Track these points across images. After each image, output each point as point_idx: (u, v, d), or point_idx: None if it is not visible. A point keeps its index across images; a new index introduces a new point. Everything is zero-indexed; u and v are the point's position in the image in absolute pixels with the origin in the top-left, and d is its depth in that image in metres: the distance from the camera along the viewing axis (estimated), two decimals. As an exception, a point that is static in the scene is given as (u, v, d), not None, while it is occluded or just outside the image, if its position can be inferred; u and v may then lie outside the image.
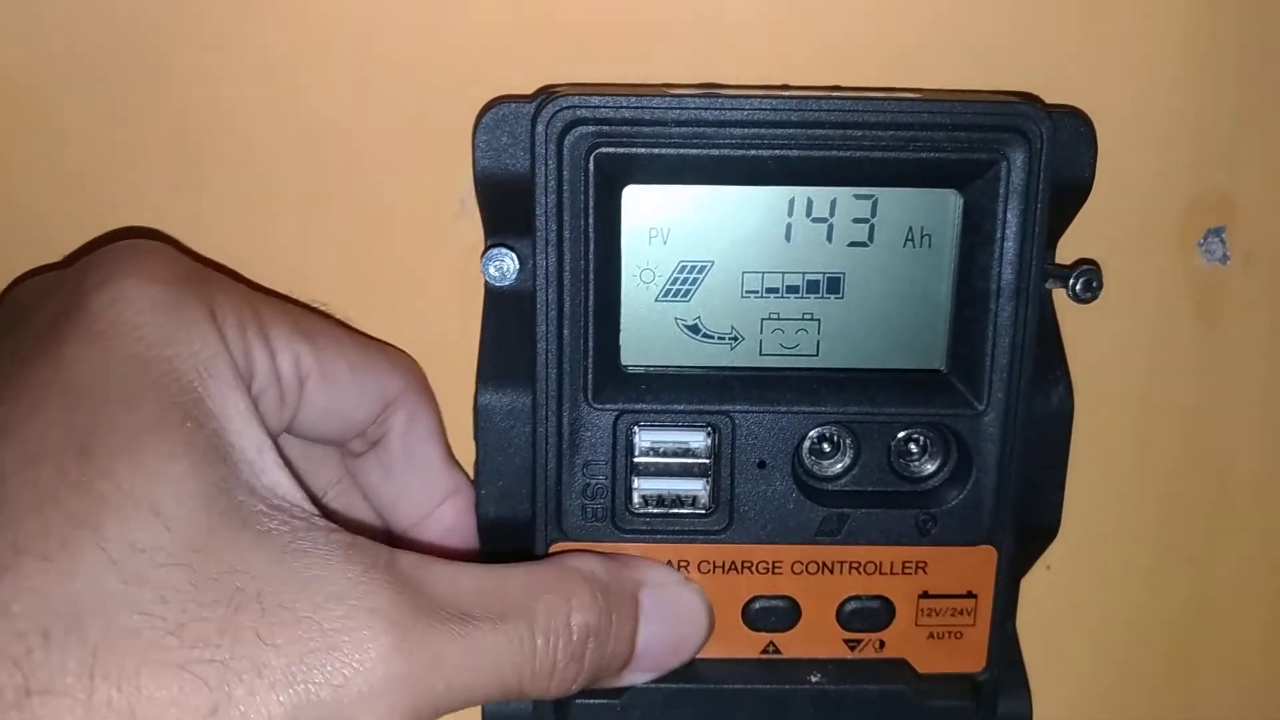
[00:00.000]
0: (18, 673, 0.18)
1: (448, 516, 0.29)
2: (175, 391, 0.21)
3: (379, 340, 0.29)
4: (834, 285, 0.27)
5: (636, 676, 0.26)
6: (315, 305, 0.29)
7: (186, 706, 0.19)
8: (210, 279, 0.24)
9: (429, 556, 0.23)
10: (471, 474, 0.29)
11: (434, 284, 0.29)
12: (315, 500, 0.23)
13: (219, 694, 0.19)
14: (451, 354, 0.29)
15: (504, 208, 0.27)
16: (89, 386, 0.21)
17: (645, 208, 0.26)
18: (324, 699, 0.20)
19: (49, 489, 0.20)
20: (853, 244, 0.27)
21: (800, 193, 0.26)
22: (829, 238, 0.26)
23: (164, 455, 0.20)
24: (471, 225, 0.29)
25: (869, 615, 0.28)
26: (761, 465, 0.27)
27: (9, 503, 0.20)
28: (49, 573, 0.19)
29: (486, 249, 0.28)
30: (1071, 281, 0.27)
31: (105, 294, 0.22)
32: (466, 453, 0.29)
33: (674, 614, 0.26)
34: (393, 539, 0.29)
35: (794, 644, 0.28)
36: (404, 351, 0.29)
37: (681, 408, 0.27)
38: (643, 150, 0.25)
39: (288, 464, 0.23)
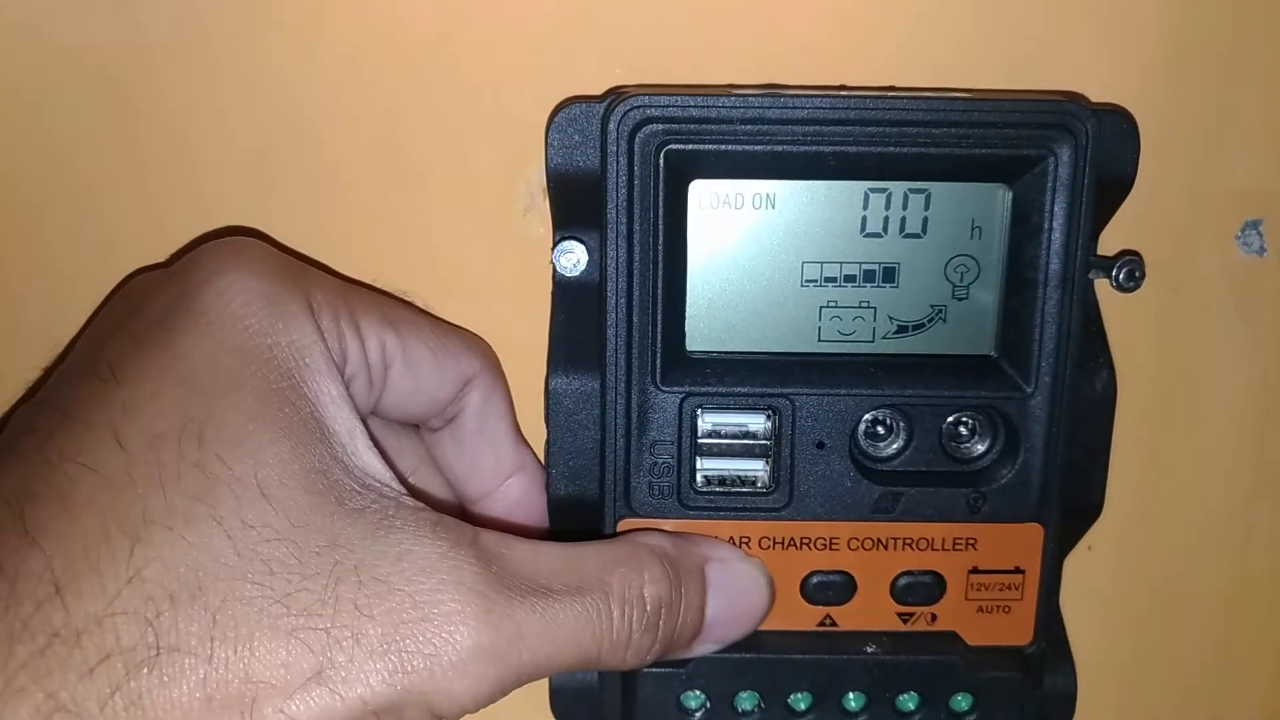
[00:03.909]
0: (150, 631, 0.20)
1: (515, 490, 0.30)
2: (275, 378, 0.23)
3: (455, 326, 0.30)
4: (889, 275, 0.28)
5: (705, 647, 0.27)
6: (398, 294, 0.30)
7: (294, 669, 0.21)
8: (306, 272, 0.26)
9: (509, 535, 0.24)
10: (538, 455, 0.31)
11: (504, 275, 0.31)
12: (401, 479, 0.24)
13: (322, 658, 0.21)
14: (520, 342, 0.30)
15: (573, 202, 0.29)
16: (201, 375, 0.23)
17: (711, 202, 0.28)
18: (417, 667, 0.21)
19: (171, 469, 0.22)
20: (907, 235, 0.28)
21: (857, 187, 0.28)
22: (884, 229, 0.28)
23: (267, 441, 0.22)
24: (540, 220, 0.30)
25: (921, 590, 0.29)
26: (820, 445, 0.28)
27: (137, 480, 0.21)
28: (175, 543, 0.21)
29: (557, 241, 0.29)
30: (1115, 271, 0.29)
31: (213, 287, 0.24)
32: (533, 437, 0.31)
33: (738, 586, 0.28)
34: (467, 515, 0.31)
35: (850, 617, 0.30)
36: (478, 336, 0.30)
37: (744, 390, 0.28)
38: (709, 147, 0.27)
39: (376, 445, 0.24)
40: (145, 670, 0.20)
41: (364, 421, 0.24)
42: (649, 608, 0.25)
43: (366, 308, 0.26)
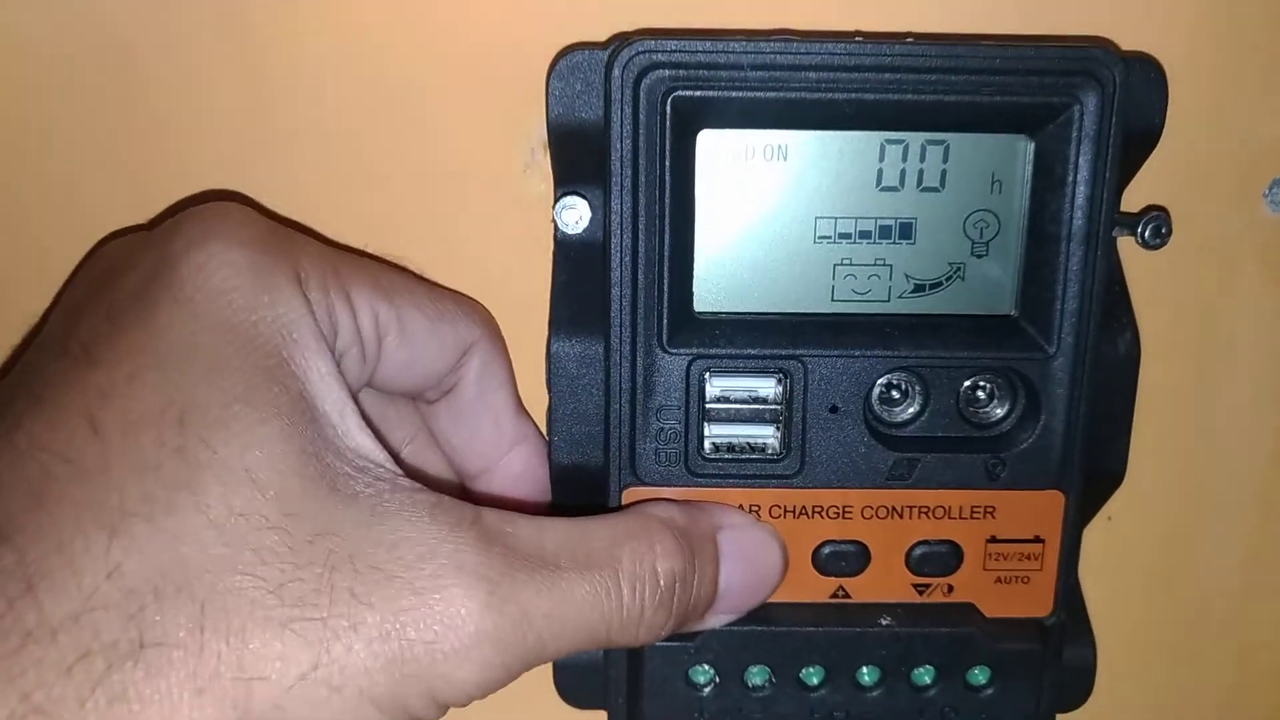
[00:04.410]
0: (132, 626, 0.19)
1: (516, 463, 0.29)
2: (261, 356, 0.22)
3: (452, 291, 0.29)
4: (906, 231, 0.27)
5: (718, 619, 0.27)
6: (391, 259, 0.29)
7: (290, 661, 0.20)
8: (293, 240, 0.25)
9: (511, 512, 0.23)
10: (539, 424, 0.30)
11: (503, 235, 0.30)
12: (396, 457, 0.23)
13: (319, 649, 0.20)
14: (520, 304, 0.29)
15: (576, 156, 0.27)
16: (181, 355, 0.21)
17: (720, 152, 0.26)
18: (418, 655, 0.20)
19: (151, 455, 0.20)
20: (925, 189, 0.27)
21: (873, 138, 0.26)
22: (901, 183, 0.27)
23: (254, 422, 0.21)
24: (540, 177, 0.29)
25: (937, 560, 0.28)
26: (833, 410, 0.27)
27: (114, 467, 0.20)
28: (156, 535, 0.20)
29: (558, 198, 0.28)
30: (1140, 228, 0.28)
31: (193, 259, 0.22)
32: (533, 404, 0.30)
33: (751, 554, 0.27)
34: (467, 492, 0.29)
35: (863, 588, 0.29)
36: (476, 301, 0.29)
37: (754, 352, 0.27)
38: (718, 94, 0.25)
39: (369, 423, 0.23)
40: (129, 664, 0.19)
41: (356, 399, 0.23)
42: (662, 583, 0.24)
43: (358, 276, 0.25)
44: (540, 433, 0.30)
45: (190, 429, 0.21)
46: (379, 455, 0.23)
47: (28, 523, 0.19)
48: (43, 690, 0.18)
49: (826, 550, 0.28)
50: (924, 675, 0.29)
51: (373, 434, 0.23)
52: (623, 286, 0.27)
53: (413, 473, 0.23)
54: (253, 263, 0.23)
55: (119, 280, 0.23)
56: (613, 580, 0.23)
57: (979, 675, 0.29)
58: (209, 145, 0.29)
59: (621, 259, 0.26)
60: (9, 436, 0.21)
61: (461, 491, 0.29)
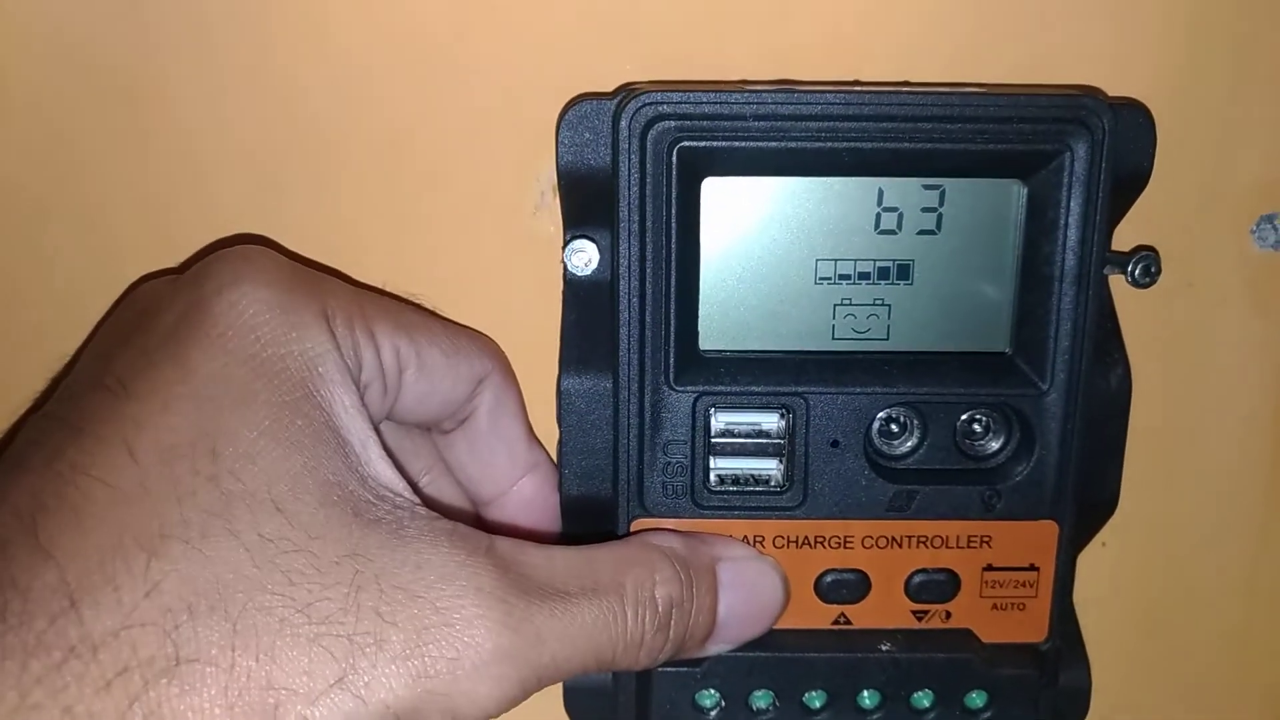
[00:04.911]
0: (169, 642, 0.20)
1: (528, 489, 0.30)
2: (288, 390, 0.23)
3: (465, 327, 0.30)
4: (904, 272, 0.28)
5: (719, 647, 0.27)
6: (408, 297, 0.30)
7: (316, 675, 0.21)
8: (319, 280, 0.26)
9: (523, 541, 0.24)
10: (550, 454, 0.31)
11: (514, 275, 0.31)
12: (414, 487, 0.24)
13: (344, 664, 0.21)
14: (531, 342, 0.30)
15: (584, 200, 0.28)
16: (212, 388, 0.23)
17: (724, 199, 0.27)
18: (439, 671, 0.21)
19: (186, 482, 0.21)
20: (922, 232, 0.28)
21: (871, 183, 0.27)
22: (899, 226, 0.28)
23: (279, 457, 0.22)
24: (550, 219, 0.30)
25: (936, 587, 0.29)
26: (835, 444, 0.28)
27: (151, 494, 0.21)
28: (192, 557, 0.21)
29: (568, 240, 0.29)
30: (1130, 267, 0.29)
31: (225, 298, 0.24)
32: (544, 439, 0.31)
33: (751, 585, 0.28)
34: (480, 520, 0.30)
35: (864, 615, 0.29)
36: (487, 336, 0.30)
37: (758, 389, 0.28)
38: (722, 144, 0.26)
39: (389, 453, 0.24)
40: (164, 681, 0.20)
41: (377, 430, 0.24)
42: (660, 608, 0.25)
43: (380, 313, 0.26)
44: (551, 459, 0.31)
45: (222, 460, 0.22)
46: (399, 484, 0.24)
47: (70, 543, 0.20)
48: (83, 704, 0.19)
49: (828, 579, 0.29)
50: (923, 699, 0.30)
51: (393, 464, 0.24)
52: (631, 326, 0.28)
53: (429, 502, 0.24)
54: (281, 301, 0.24)
55: (153, 320, 0.24)
56: (618, 604, 0.24)
57: (976, 699, 0.30)
58: (233, 190, 0.30)
59: (629, 300, 0.27)
60: (51, 465, 0.22)
61: (476, 521, 0.31)
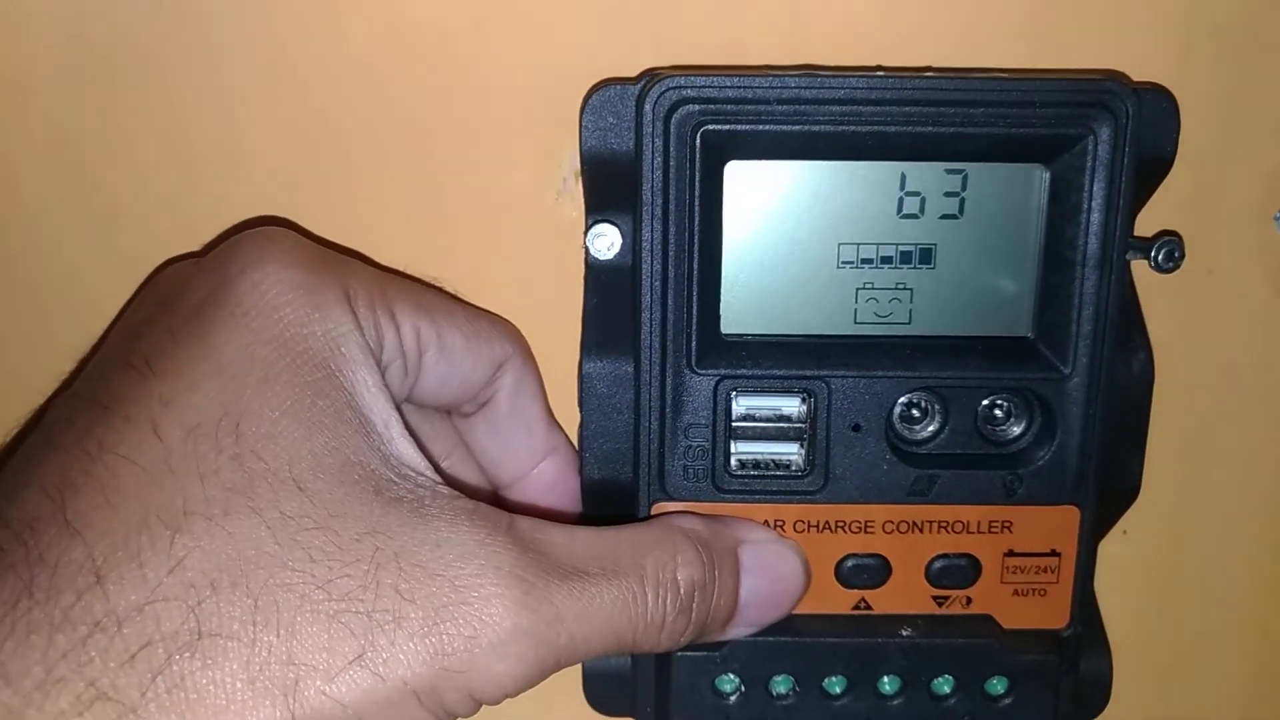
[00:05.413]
0: (191, 617, 0.20)
1: (548, 473, 0.30)
2: (310, 370, 0.23)
3: (486, 310, 0.30)
4: (926, 256, 0.28)
5: (740, 630, 0.27)
6: (429, 280, 0.30)
7: (335, 651, 0.21)
8: (341, 261, 0.26)
9: (543, 520, 0.24)
10: (570, 438, 0.31)
11: (537, 260, 0.31)
12: (436, 466, 0.25)
13: (363, 641, 0.21)
14: (552, 326, 0.30)
15: (607, 185, 0.28)
16: (236, 368, 0.23)
17: (747, 182, 0.27)
18: (457, 649, 0.21)
19: (209, 460, 0.22)
20: (944, 216, 0.28)
21: (894, 168, 0.27)
22: (921, 210, 0.28)
23: (301, 436, 0.22)
24: (572, 204, 0.30)
25: (956, 573, 0.29)
26: (856, 428, 0.28)
27: (176, 472, 0.22)
28: (215, 533, 0.21)
29: (590, 225, 0.29)
30: (1154, 252, 0.28)
31: (248, 278, 0.24)
32: (564, 423, 0.31)
33: (772, 568, 0.28)
34: (501, 501, 0.31)
35: (884, 600, 0.30)
36: (508, 320, 0.30)
37: (780, 372, 0.28)
38: (746, 127, 0.27)
39: (411, 433, 0.24)
40: (188, 655, 0.20)
41: (399, 410, 0.24)
42: (682, 590, 0.25)
43: (401, 295, 0.26)
44: (570, 443, 0.31)
45: (244, 439, 0.22)
46: (421, 463, 0.24)
47: (96, 519, 0.21)
48: (108, 677, 0.19)
49: (849, 563, 0.29)
50: (943, 685, 0.30)
51: (414, 443, 0.24)
52: (653, 310, 0.28)
53: (450, 482, 0.24)
54: (304, 282, 0.24)
55: (178, 300, 0.25)
56: (638, 586, 0.24)
57: (997, 685, 0.29)
58: (254, 176, 0.30)
59: (651, 284, 0.27)
60: (80, 442, 0.22)
61: (495, 500, 0.31)
